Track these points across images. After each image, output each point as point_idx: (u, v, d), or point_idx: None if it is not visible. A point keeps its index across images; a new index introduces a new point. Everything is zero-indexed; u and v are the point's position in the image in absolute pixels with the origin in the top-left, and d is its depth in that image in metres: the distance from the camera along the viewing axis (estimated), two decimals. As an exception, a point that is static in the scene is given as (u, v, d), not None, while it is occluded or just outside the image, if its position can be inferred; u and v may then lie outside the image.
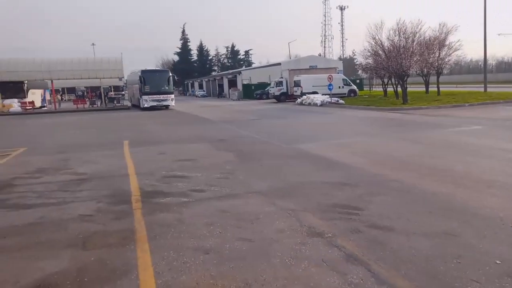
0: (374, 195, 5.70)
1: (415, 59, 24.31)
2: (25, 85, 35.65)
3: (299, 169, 7.67)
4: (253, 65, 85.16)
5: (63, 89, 63.09)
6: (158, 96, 30.17)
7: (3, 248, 4.17)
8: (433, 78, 31.72)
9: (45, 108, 38.55)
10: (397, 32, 24.64)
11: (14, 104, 32.81)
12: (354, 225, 4.55)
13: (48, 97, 41.37)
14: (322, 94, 29.89)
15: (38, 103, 37.10)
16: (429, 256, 3.69)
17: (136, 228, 4.65)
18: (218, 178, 7.08)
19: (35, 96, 36.90)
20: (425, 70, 28.92)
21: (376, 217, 4.78)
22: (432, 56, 27.25)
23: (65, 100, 59.83)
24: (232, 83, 56.00)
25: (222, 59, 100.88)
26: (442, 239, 4.06)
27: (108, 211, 5.37)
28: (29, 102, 34.22)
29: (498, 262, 3.53)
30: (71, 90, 64.61)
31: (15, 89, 35.17)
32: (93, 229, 4.68)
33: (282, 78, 38.58)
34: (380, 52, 26.23)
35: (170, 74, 31.85)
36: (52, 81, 35.49)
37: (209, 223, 4.73)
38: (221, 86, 63.37)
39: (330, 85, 28.39)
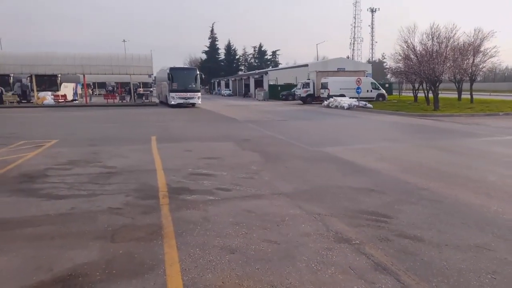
0: (403, 203, 5.56)
1: (448, 64, 23.64)
2: (59, 78, 36.87)
3: (325, 172, 7.59)
4: (280, 66, 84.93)
5: (94, 83, 64.90)
6: (185, 93, 30.48)
7: (39, 236, 4.31)
8: (466, 85, 30.73)
9: (76, 101, 39.75)
10: (430, 36, 24.03)
11: (47, 97, 33.96)
12: (382, 233, 4.45)
13: (79, 91, 42.64)
14: (350, 97, 29.50)
15: (70, 97, 38.28)
16: (462, 270, 3.56)
17: (163, 223, 4.71)
18: (243, 177, 7.09)
19: (67, 89, 38.11)
20: (458, 76, 28.04)
21: (406, 226, 4.66)
22: (466, 62, 26.39)
23: (96, 94, 61.58)
24: (258, 83, 56.03)
25: (249, 59, 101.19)
26: (475, 253, 3.91)
27: (136, 205, 5.47)
28: (62, 95, 35.37)
29: (536, 280, 3.37)
30: (102, 85, 66.26)
31: (50, 82, 36.44)
32: (122, 222, 4.77)
33: (309, 79, 38.34)
34: (412, 56, 25.65)
35: (198, 72, 32.14)
36: (84, 76, 36.53)
37: (234, 223, 4.74)
38: (247, 85, 63.52)
39: (358, 88, 27.98)
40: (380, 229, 4.58)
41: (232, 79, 74.92)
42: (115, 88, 61.44)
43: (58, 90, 36.19)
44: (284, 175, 7.33)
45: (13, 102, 33.46)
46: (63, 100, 35.14)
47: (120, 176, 7.22)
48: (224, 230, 4.50)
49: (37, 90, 34.49)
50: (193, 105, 31.42)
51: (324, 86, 34.34)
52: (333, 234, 4.40)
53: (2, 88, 34.05)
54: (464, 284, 3.31)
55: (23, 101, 35.37)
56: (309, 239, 4.26)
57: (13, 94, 34.44)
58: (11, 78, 36.88)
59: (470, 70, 27.61)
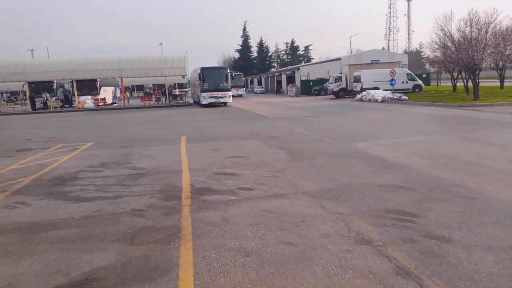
0: (433, 201, 5.26)
1: (488, 51, 22.29)
2: (98, 82, 38.39)
3: (352, 169, 7.34)
4: (313, 61, 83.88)
5: (132, 86, 67.08)
6: (216, 93, 30.74)
7: (61, 239, 4.44)
8: (509, 72, 28.91)
9: (115, 104, 41.24)
10: (468, 23, 22.73)
11: (88, 101, 35.47)
12: (408, 233, 4.21)
13: (118, 94, 44.24)
14: (384, 90, 28.58)
15: (109, 100, 39.81)
16: (493, 274, 3.29)
17: (182, 225, 4.72)
18: (267, 176, 7.00)
19: (106, 93, 39.64)
20: (500, 63, 26.44)
21: (434, 226, 4.39)
22: (509, 48, 24.77)
23: (134, 97, 63.57)
24: (291, 79, 55.60)
25: (281, 55, 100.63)
26: (510, 255, 3.61)
27: (159, 206, 5.52)
28: (101, 99, 36.81)
29: None
30: (140, 88, 68.37)
31: (89, 86, 38.08)
32: (143, 224, 4.83)
33: (341, 73, 37.56)
34: (449, 44, 24.42)
35: (228, 71, 32.33)
36: (121, 79, 37.79)
37: (253, 224, 4.66)
38: (279, 82, 63.23)
39: (392, 80, 27.02)
40: (406, 229, 4.34)
41: (265, 76, 74.91)
42: (153, 90, 63.13)
43: (98, 94, 37.73)
44: (309, 173, 7.17)
45: (57, 107, 35.22)
46: (102, 104, 36.57)
47: (147, 177, 7.34)
48: (242, 231, 4.44)
49: (78, 95, 36.11)
50: (224, 104, 31.66)
51: (357, 79, 33.49)
52: (354, 235, 4.22)
53: (47, 94, 35.95)
54: (494, 290, 3.05)
55: (65, 105, 37.22)
56: (329, 241, 4.11)
57: (56, 99, 36.29)
58: (54, 84, 38.87)
59: (514, 56, 25.91)
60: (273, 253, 3.85)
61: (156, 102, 39.99)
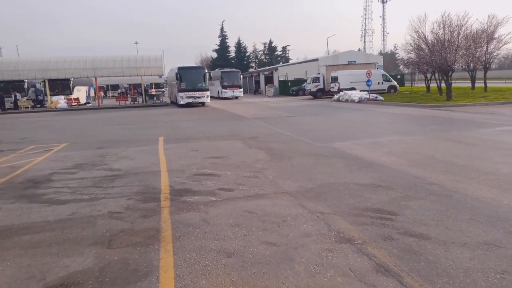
0: (410, 199, 5.37)
1: (460, 53, 23.01)
2: (71, 82, 37.35)
3: (332, 169, 7.41)
4: (290, 61, 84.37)
5: (107, 86, 65.64)
6: (193, 93, 30.52)
7: (36, 243, 4.28)
8: (480, 73, 29.95)
9: (89, 104, 40.25)
10: (441, 25, 23.43)
11: (60, 101, 34.45)
12: (386, 231, 4.28)
13: (92, 93, 43.15)
14: (360, 90, 29.06)
15: (83, 100, 38.81)
16: (469, 269, 3.38)
17: (162, 227, 4.64)
18: (247, 177, 6.98)
19: (80, 93, 38.62)
20: (472, 64, 27.33)
21: (412, 224, 4.48)
22: (479, 50, 25.68)
23: (109, 96, 62.22)
24: (269, 80, 55.72)
25: (259, 56, 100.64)
26: (484, 251, 3.72)
27: (137, 208, 5.41)
28: (75, 99, 35.82)
29: (549, 280, 3.17)
30: (115, 87, 66.94)
31: (62, 86, 36.96)
32: (121, 226, 4.72)
33: (319, 74, 37.88)
34: (423, 46, 25.09)
35: (206, 71, 32.12)
36: (96, 78, 36.91)
37: (234, 224, 4.63)
38: (257, 82, 63.24)
39: (368, 81, 27.51)
40: (385, 227, 4.41)
41: (243, 76, 74.73)
42: (128, 90, 61.98)
43: (71, 94, 36.68)
44: (289, 173, 7.19)
45: (28, 107, 34.05)
46: (76, 104, 35.61)
47: (124, 179, 7.19)
48: (223, 232, 4.40)
49: (51, 95, 35.03)
50: (202, 104, 31.43)
51: (334, 80, 33.89)
52: (334, 234, 4.26)
53: (18, 94, 34.70)
54: (471, 285, 3.13)
55: (37, 106, 35.99)
56: (310, 240, 4.12)
57: (27, 99, 35.05)
58: (25, 83, 37.56)
59: (484, 58, 26.88)
60: (255, 254, 3.83)
61: (132, 102, 39.24)
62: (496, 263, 3.46)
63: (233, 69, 47.61)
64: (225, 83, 41.13)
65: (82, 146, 11.64)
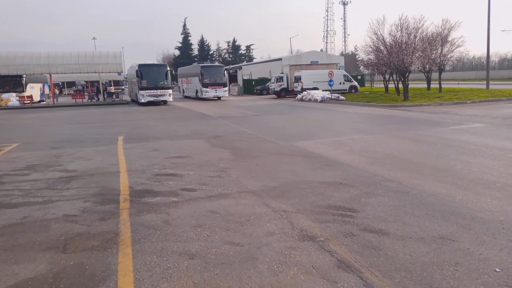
0: (370, 196, 5.51)
1: (417, 55, 24.01)
2: (24, 79, 35.38)
3: (295, 167, 7.48)
4: (254, 60, 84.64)
5: (63, 83, 62.85)
6: (155, 91, 29.84)
7: (-19, 250, 3.99)
8: (435, 75, 31.42)
9: (44, 102, 38.31)
10: (399, 28, 24.32)
11: (12, 99, 32.54)
12: (348, 228, 4.36)
13: (47, 91, 41.11)
14: (323, 90, 29.64)
15: (37, 98, 36.89)
16: (425, 263, 3.50)
17: (120, 230, 4.47)
18: (210, 176, 6.89)
19: (33, 90, 36.65)
20: (427, 66, 28.64)
21: (371, 220, 4.59)
22: (434, 52, 26.93)
23: (65, 94, 59.59)
24: (233, 78, 55.62)
25: (223, 54, 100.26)
26: (439, 245, 3.87)
27: (94, 211, 5.18)
28: (27, 96, 34.00)
29: (497, 270, 3.35)
30: (71, 84, 64.24)
31: (14, 83, 34.89)
32: (76, 230, 4.50)
33: (282, 73, 38.27)
34: (382, 48, 25.93)
35: (168, 69, 31.51)
36: (50, 75, 35.21)
37: (197, 225, 4.54)
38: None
39: (330, 81, 28.11)
40: (346, 224, 4.49)
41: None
42: (85, 87, 59.65)
43: (23, 91, 34.74)
44: (253, 172, 7.18)
45: (-25, 105, 31.94)
46: (29, 102, 33.82)
47: (81, 180, 6.88)
48: (185, 234, 4.30)
49: (0, 92, 33.01)
50: (165, 102, 30.83)
51: (298, 79, 34.35)
52: (297, 232, 4.28)
53: None
54: (427, 278, 3.24)
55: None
56: (273, 239, 4.12)
57: (-26, 96, 32.85)
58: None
59: (439, 60, 28.22)
60: (218, 254, 3.77)
61: (89, 100, 37.81)
62: (450, 256, 3.61)
63: (216, 64, 43.69)
64: (206, 80, 34.23)
65: (35, 146, 11.04)
